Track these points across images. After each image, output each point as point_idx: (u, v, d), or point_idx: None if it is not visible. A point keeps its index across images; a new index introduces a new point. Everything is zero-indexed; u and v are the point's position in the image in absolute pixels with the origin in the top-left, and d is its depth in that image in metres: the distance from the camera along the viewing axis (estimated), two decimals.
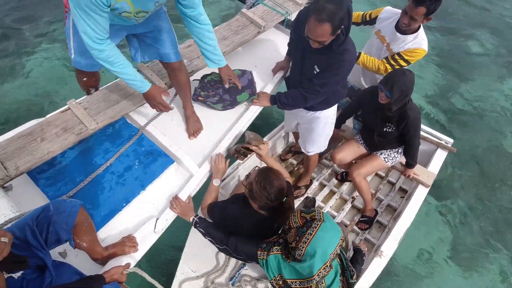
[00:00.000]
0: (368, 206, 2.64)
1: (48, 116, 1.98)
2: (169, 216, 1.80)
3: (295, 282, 1.53)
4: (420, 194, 2.50)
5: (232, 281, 1.87)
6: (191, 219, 1.78)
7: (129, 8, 1.44)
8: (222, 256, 1.99)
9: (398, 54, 2.27)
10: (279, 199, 1.60)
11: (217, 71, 2.20)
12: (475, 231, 3.03)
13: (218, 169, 1.90)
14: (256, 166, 1.77)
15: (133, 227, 1.76)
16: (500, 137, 3.87)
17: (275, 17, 2.65)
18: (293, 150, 3.17)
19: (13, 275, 1.22)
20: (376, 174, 3.01)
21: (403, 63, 2.28)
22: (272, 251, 1.58)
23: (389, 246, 2.18)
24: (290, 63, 2.42)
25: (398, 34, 2.27)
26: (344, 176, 2.99)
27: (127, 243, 1.60)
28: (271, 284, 1.62)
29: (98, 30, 1.42)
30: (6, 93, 3.71)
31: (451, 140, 2.90)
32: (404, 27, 2.20)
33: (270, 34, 2.75)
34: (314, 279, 1.46)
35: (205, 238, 1.77)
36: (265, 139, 2.91)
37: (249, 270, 1.94)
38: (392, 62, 2.29)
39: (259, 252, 1.61)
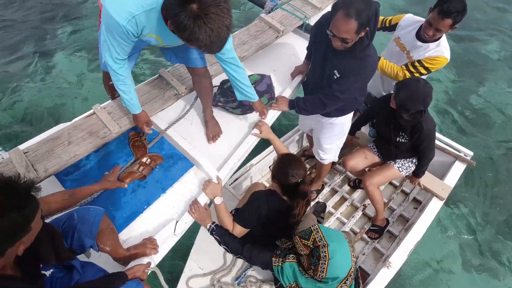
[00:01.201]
0: (379, 216, 2.59)
1: (74, 120, 2.06)
2: (189, 219, 1.82)
3: None
4: (434, 207, 2.43)
5: (238, 281, 1.88)
6: (208, 226, 1.80)
7: (157, 42, 1.55)
8: (229, 255, 2.00)
9: (419, 61, 2.22)
10: (295, 177, 1.69)
11: None
12: (486, 246, 2.91)
13: (214, 191, 1.86)
14: (270, 166, 1.83)
15: (153, 229, 1.80)
16: None
17: (294, 22, 2.66)
18: (307, 154, 3.16)
19: (45, 272, 1.27)
20: (390, 183, 2.95)
21: (423, 71, 2.22)
22: (288, 259, 1.59)
23: (398, 257, 2.13)
24: (309, 67, 2.42)
25: (419, 42, 2.21)
26: (357, 183, 2.94)
27: (148, 245, 1.64)
28: None
29: (120, 52, 1.52)
30: (31, 96, 3.88)
31: (471, 153, 2.80)
32: (427, 38, 2.15)
33: (288, 38, 2.75)
34: None
35: (220, 246, 1.78)
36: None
37: (255, 272, 1.96)
38: (412, 69, 2.23)
39: (274, 259, 1.62)
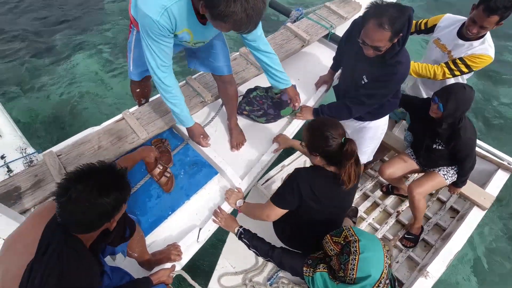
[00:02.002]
0: (417, 224, 2.48)
1: (104, 124, 2.12)
2: (212, 227, 1.84)
3: None
4: (475, 216, 2.32)
5: (270, 282, 1.87)
6: (235, 230, 1.79)
7: (189, 38, 1.56)
8: None
9: (460, 58, 2.10)
10: (337, 138, 1.49)
11: (261, 86, 2.24)
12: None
13: (237, 199, 1.85)
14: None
15: (176, 235, 1.82)
16: None
17: (320, 31, 2.65)
18: None
19: None
20: None
21: (464, 69, 2.09)
22: (319, 268, 1.53)
23: (437, 267, 2.06)
24: (334, 77, 2.40)
25: (461, 41, 2.11)
26: (390, 189, 2.84)
27: (173, 251, 1.66)
28: None
29: (163, 57, 1.54)
30: (58, 98, 4.02)
31: None
32: (471, 36, 2.05)
33: (313, 47, 2.75)
34: None
35: (250, 249, 1.77)
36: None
37: (288, 273, 1.90)
38: (452, 66, 2.11)
39: (305, 269, 1.58)
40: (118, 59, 4.51)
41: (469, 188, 2.33)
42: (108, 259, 1.66)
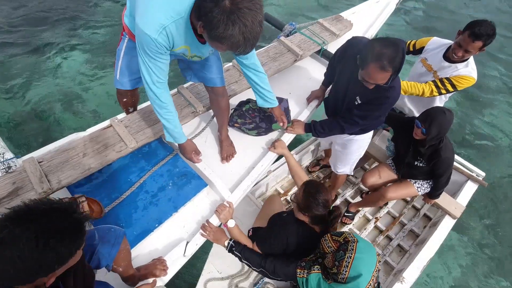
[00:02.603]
0: (358, 206, 2.82)
1: (90, 131, 2.05)
2: (199, 241, 1.79)
3: None
4: (446, 225, 2.48)
5: (256, 287, 1.90)
6: (225, 243, 1.78)
7: (186, 52, 1.54)
8: None
9: (447, 78, 2.26)
10: (327, 205, 1.69)
11: (254, 99, 2.24)
12: (490, 269, 2.94)
13: (227, 215, 1.84)
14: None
15: (163, 249, 1.77)
16: None
17: (312, 47, 2.69)
18: (322, 163, 3.20)
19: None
20: (402, 198, 3.04)
21: (450, 88, 2.26)
22: (313, 270, 1.59)
23: (412, 273, 2.19)
24: (325, 92, 2.44)
25: (446, 63, 2.28)
26: None
27: (158, 266, 1.61)
28: None
29: (159, 74, 1.51)
30: (41, 101, 3.87)
31: (483, 174, 2.86)
32: (456, 59, 2.21)
33: (305, 62, 2.78)
34: None
35: (241, 262, 1.77)
36: (292, 152, 2.96)
37: (273, 279, 1.97)
38: (439, 85, 2.27)
39: (298, 271, 1.63)
40: (106, 65, 4.41)
41: (442, 198, 2.48)
42: None
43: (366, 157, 2.87)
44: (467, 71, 2.23)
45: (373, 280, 1.48)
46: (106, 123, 2.07)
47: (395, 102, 1.92)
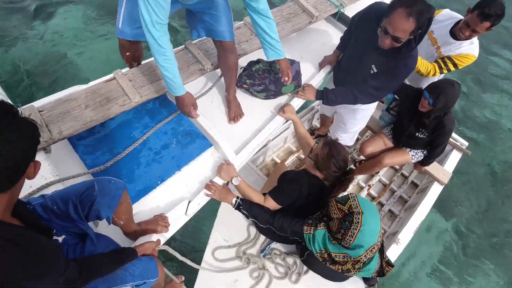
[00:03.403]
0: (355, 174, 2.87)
1: (92, 83, 1.96)
2: (202, 200, 1.77)
3: (339, 255, 1.63)
4: (435, 190, 2.62)
5: (263, 253, 1.93)
6: (233, 201, 1.76)
7: None
8: (253, 229, 2.05)
9: (449, 57, 2.26)
10: (345, 167, 1.73)
11: (265, 59, 2.13)
12: (473, 241, 3.11)
13: (229, 172, 1.80)
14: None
15: (164, 206, 1.74)
16: None
17: (329, 8, 2.53)
18: (316, 133, 3.17)
19: (58, 238, 1.22)
20: (391, 166, 3.14)
21: (452, 67, 2.27)
22: (319, 227, 1.65)
23: (406, 235, 2.37)
24: (340, 56, 2.32)
25: (452, 39, 2.24)
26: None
27: (160, 222, 1.59)
28: (316, 256, 1.69)
29: (159, 13, 1.40)
30: (42, 51, 3.74)
31: (466, 143, 3.02)
32: (462, 37, 2.18)
33: (320, 25, 2.63)
34: (360, 258, 1.59)
35: (249, 219, 1.78)
36: (289, 121, 2.93)
37: (279, 245, 2.01)
38: (442, 66, 2.28)
39: (305, 227, 1.68)
40: (110, 15, 4.21)
41: (431, 166, 2.58)
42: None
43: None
44: (470, 48, 2.22)
45: (377, 244, 1.55)
46: (109, 76, 1.98)
47: (410, 72, 1.84)
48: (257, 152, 2.55)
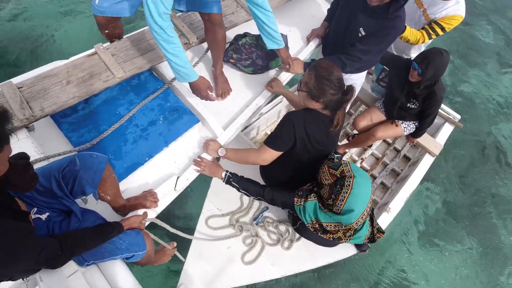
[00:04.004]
0: (346, 148, 2.96)
1: (73, 58, 1.90)
2: (190, 176, 1.78)
3: (331, 225, 1.64)
4: (426, 162, 2.67)
5: (256, 221, 1.98)
6: (223, 175, 1.76)
7: None
8: (246, 198, 2.05)
9: (435, 22, 2.23)
10: (341, 85, 1.56)
11: (251, 33, 2.08)
12: (454, 210, 3.23)
13: (214, 147, 1.80)
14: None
15: (153, 182, 1.75)
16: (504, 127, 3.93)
17: None
18: None
19: (40, 216, 1.22)
20: (384, 141, 3.19)
21: (440, 31, 2.25)
22: (310, 198, 1.65)
23: (396, 205, 2.42)
24: (329, 27, 2.28)
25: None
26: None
27: (149, 197, 1.60)
28: (307, 227, 1.70)
29: (166, 3, 1.36)
30: (23, 31, 3.57)
31: (459, 116, 3.04)
32: None
33: None
34: (351, 226, 1.59)
35: (240, 191, 1.79)
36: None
37: (271, 213, 2.04)
38: (430, 32, 2.26)
39: (296, 199, 1.67)
40: None
41: (423, 138, 2.63)
42: (79, 203, 1.58)
43: (355, 101, 2.96)
44: (456, 9, 2.17)
45: (366, 210, 1.56)
46: (90, 50, 1.91)
47: (399, 34, 1.84)
48: (248, 126, 2.56)
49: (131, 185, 1.72)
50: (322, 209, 1.61)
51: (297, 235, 1.97)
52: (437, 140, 2.78)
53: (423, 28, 2.27)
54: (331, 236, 1.69)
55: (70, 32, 3.62)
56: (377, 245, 2.72)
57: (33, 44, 3.45)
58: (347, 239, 1.71)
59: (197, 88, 1.75)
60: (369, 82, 3.00)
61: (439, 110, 2.91)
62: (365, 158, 3.03)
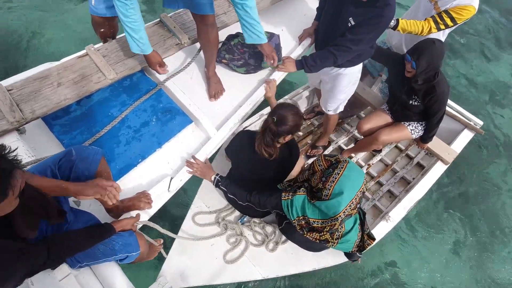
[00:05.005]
0: (351, 152, 2.78)
1: (63, 60, 1.89)
2: (184, 177, 1.78)
3: (317, 221, 1.59)
4: (438, 170, 2.48)
5: (241, 220, 1.95)
6: (212, 178, 1.77)
7: None
8: None
9: (446, 11, 2.07)
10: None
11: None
12: (474, 218, 3.06)
13: (205, 171, 1.80)
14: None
15: (147, 184, 1.75)
16: None
17: None
18: (317, 110, 3.11)
19: None
20: (396, 146, 2.98)
21: (449, 22, 2.08)
22: (299, 192, 1.63)
23: (398, 213, 2.23)
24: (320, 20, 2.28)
25: None
26: None
27: (143, 198, 1.60)
28: (293, 224, 1.66)
29: None
30: (12, 32, 3.53)
31: (481, 122, 2.82)
32: None
33: None
34: (339, 216, 1.52)
35: (228, 196, 1.79)
36: (286, 97, 2.89)
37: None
38: (438, 20, 2.08)
39: (283, 194, 1.66)
40: None
41: (435, 144, 2.47)
42: (72, 205, 1.57)
43: (363, 104, 2.79)
44: None
45: (355, 199, 1.52)
46: (81, 52, 1.89)
47: (389, 23, 1.83)
48: (246, 127, 2.49)
49: (125, 186, 1.71)
50: (310, 202, 1.59)
51: (283, 238, 1.92)
52: (453, 147, 2.56)
53: (431, 17, 2.10)
54: (317, 235, 1.64)
55: (63, 31, 3.58)
56: (369, 255, 2.60)
57: (25, 45, 3.41)
58: (334, 242, 1.65)
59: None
60: (377, 84, 2.95)
61: (458, 115, 2.76)
62: (373, 164, 2.83)
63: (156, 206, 1.70)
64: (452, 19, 2.07)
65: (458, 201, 3.15)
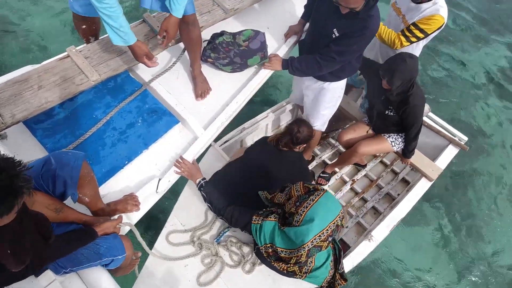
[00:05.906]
0: (334, 167, 2.75)
1: (44, 62, 1.85)
2: (172, 177, 1.76)
3: (285, 251, 1.52)
4: (422, 186, 2.44)
5: (217, 240, 1.83)
6: (197, 181, 1.75)
7: None
8: (211, 213, 1.91)
9: (413, 24, 2.10)
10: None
11: (228, 31, 2.07)
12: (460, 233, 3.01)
13: (192, 172, 1.78)
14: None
15: (134, 186, 1.72)
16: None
17: None
18: None
19: None
20: (381, 162, 2.95)
21: (419, 34, 2.10)
22: (269, 218, 1.57)
23: (380, 232, 2.18)
24: (304, 27, 2.29)
25: (412, 3, 2.10)
26: None
27: (130, 201, 1.57)
28: (261, 251, 1.61)
29: None
30: None
31: (465, 138, 2.82)
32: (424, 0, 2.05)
33: None
34: (306, 246, 1.43)
35: (205, 202, 1.76)
36: (268, 110, 2.85)
37: (236, 232, 1.87)
38: (408, 34, 2.12)
39: (254, 217, 1.59)
40: None
41: (419, 160, 2.45)
42: None
43: (347, 118, 2.78)
44: (434, 9, 2.04)
45: (327, 230, 1.45)
46: (62, 54, 1.85)
47: (373, 34, 1.84)
48: (226, 142, 2.45)
49: (112, 189, 1.68)
50: (280, 229, 1.51)
51: None
52: (437, 163, 2.52)
53: (401, 31, 2.15)
54: (284, 266, 1.58)
55: (43, 33, 3.49)
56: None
57: (3, 48, 3.33)
58: (302, 276, 1.59)
59: (133, 52, 1.69)
60: (359, 100, 2.92)
61: (442, 130, 2.76)
62: (357, 179, 2.77)
63: (144, 208, 1.67)
64: (422, 30, 2.09)
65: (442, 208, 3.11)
